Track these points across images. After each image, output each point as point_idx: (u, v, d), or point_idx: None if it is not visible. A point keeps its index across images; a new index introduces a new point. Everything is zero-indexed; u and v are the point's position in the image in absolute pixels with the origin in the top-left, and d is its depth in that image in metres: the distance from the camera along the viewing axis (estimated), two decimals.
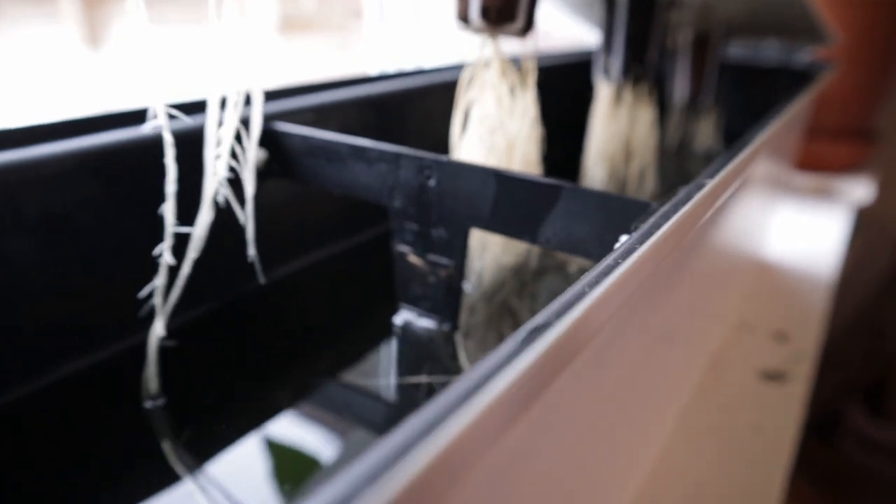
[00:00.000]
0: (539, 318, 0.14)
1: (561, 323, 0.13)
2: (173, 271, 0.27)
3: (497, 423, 0.11)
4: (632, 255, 0.16)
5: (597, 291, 0.14)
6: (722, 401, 0.40)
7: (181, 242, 0.26)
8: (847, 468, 0.94)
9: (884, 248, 1.04)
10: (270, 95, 0.39)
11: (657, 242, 0.17)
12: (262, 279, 0.28)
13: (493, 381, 0.11)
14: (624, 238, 0.24)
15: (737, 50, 0.73)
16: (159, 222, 0.26)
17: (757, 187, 0.41)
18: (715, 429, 0.37)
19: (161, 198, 0.26)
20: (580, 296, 0.14)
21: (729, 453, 0.35)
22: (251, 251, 0.26)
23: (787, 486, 0.34)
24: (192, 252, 0.26)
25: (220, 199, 0.26)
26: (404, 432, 0.10)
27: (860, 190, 0.82)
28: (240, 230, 0.30)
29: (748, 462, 0.35)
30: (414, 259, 0.32)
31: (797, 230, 0.69)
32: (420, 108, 0.47)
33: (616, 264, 0.16)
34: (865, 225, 0.89)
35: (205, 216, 0.26)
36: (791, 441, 0.37)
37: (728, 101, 0.67)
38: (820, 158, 0.84)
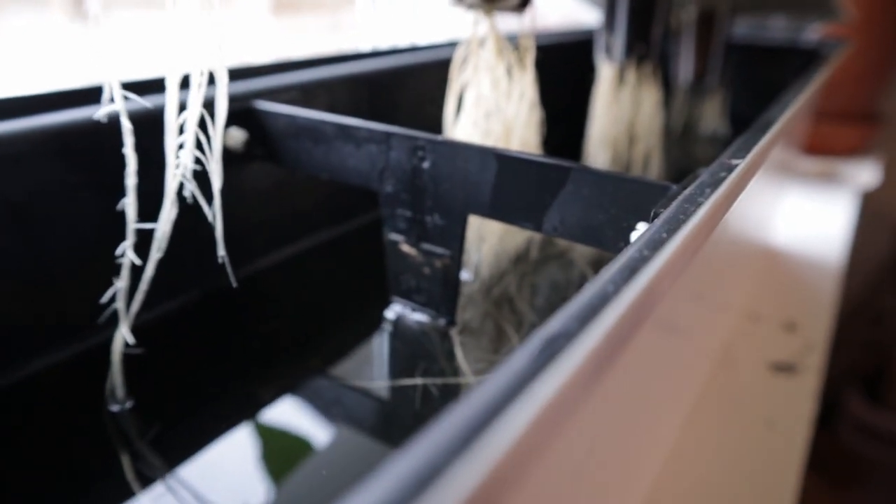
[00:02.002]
0: (556, 325, 0.11)
1: (587, 332, 0.10)
2: (137, 270, 0.24)
3: (518, 441, 0.09)
4: (662, 246, 0.14)
5: (627, 292, 0.12)
6: (733, 394, 0.39)
7: (149, 236, 0.24)
8: (844, 455, 0.93)
9: (884, 233, 1.03)
10: (252, 72, 0.36)
11: (692, 231, 0.14)
12: (233, 282, 0.26)
13: (509, 403, 0.09)
14: (642, 226, 0.22)
15: (742, 28, 0.71)
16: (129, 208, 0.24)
17: (770, 171, 0.39)
18: (727, 423, 0.36)
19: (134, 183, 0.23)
20: (605, 298, 0.12)
21: (742, 449, 0.34)
22: (220, 251, 0.24)
23: (801, 482, 0.33)
24: (156, 252, 0.24)
25: (187, 193, 0.23)
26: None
27: (865, 174, 0.80)
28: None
29: (762, 458, 0.34)
30: (407, 248, 0.30)
31: (803, 216, 0.67)
32: (412, 87, 0.45)
33: (642, 257, 0.14)
34: (866, 210, 0.87)
35: (167, 213, 0.23)
36: (804, 436, 0.36)
37: (733, 81, 0.64)
38: (825, 141, 0.82)
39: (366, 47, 0.45)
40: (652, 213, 0.19)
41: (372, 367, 0.30)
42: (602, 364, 0.11)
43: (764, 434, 0.36)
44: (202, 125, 0.23)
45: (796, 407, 0.38)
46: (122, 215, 0.23)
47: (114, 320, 0.25)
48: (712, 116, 0.64)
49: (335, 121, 0.29)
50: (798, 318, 0.48)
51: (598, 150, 0.46)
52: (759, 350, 0.43)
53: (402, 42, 0.49)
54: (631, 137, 0.47)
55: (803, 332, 0.46)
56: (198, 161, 0.23)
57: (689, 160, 0.59)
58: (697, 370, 0.37)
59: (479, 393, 0.10)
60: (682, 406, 0.35)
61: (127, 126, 0.22)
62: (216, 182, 0.23)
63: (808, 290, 0.53)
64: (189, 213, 0.24)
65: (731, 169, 0.19)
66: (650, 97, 0.47)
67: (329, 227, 0.42)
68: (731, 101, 0.65)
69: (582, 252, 0.40)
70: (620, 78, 0.46)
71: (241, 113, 0.32)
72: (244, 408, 0.26)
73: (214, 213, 0.23)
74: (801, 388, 0.40)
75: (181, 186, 0.23)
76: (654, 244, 0.14)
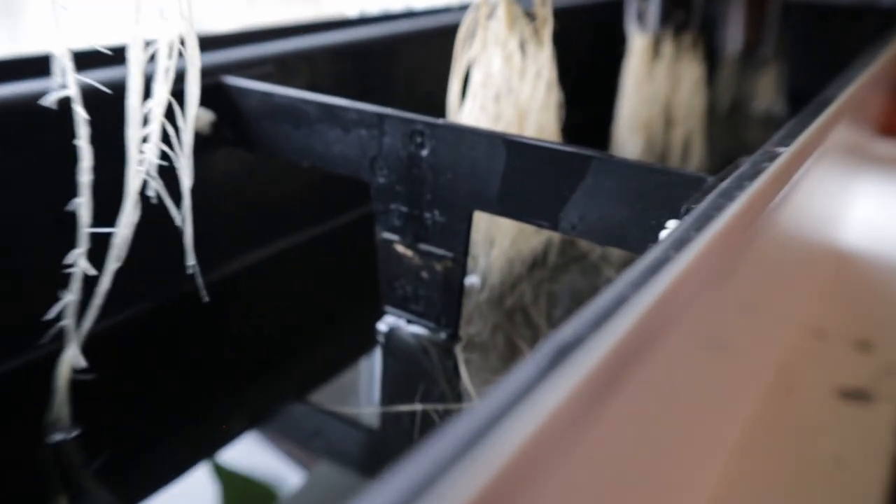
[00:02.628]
0: (567, 332, 0.12)
1: (597, 339, 0.12)
2: (88, 279, 0.25)
3: (521, 458, 0.10)
4: (688, 246, 0.15)
5: (644, 296, 0.13)
6: (793, 425, 0.39)
7: (101, 239, 0.25)
8: None
9: None
10: (219, 42, 0.37)
11: (723, 230, 0.16)
12: (203, 296, 0.27)
13: (506, 418, 0.10)
14: (672, 224, 0.23)
15: None
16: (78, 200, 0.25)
17: (834, 158, 0.40)
18: (785, 460, 0.37)
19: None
20: (620, 301, 0.13)
21: (803, 490, 0.34)
22: (190, 261, 0.25)
23: None
24: (113, 262, 0.25)
25: (151, 192, 0.24)
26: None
27: None
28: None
29: (828, 502, 0.34)
30: (402, 249, 0.31)
31: (880, 211, 0.68)
32: (409, 61, 0.46)
33: (667, 258, 0.15)
34: None
35: (129, 216, 0.24)
36: (880, 477, 0.36)
37: (793, 50, 0.65)
38: None
39: (353, 12, 0.46)
40: (682, 209, 0.20)
41: (360, 390, 0.31)
42: (618, 377, 0.13)
43: (830, 474, 0.36)
44: (168, 111, 0.24)
45: (871, 442, 0.39)
46: (68, 207, 0.24)
47: (58, 334, 0.26)
48: (767, 93, 0.65)
49: (318, 100, 0.30)
50: (873, 334, 0.48)
51: (629, 135, 0.47)
52: (824, 373, 0.44)
53: (397, 6, 0.50)
54: (668, 120, 0.48)
55: (880, 351, 0.46)
56: (163, 153, 0.24)
57: (738, 146, 0.60)
58: (748, 394, 0.38)
59: (479, 408, 0.11)
60: (730, 437, 0.36)
61: (82, 115, 0.23)
62: (186, 181, 0.24)
63: (886, 302, 0.53)
64: (148, 208, 0.25)
65: (773, 157, 0.20)
66: (691, 72, 0.49)
67: (310, 224, 0.43)
68: (789, 75, 0.66)
69: (609, 255, 0.41)
70: (655, 50, 0.47)
71: (206, 90, 0.32)
72: (207, 440, 0.27)
73: (183, 217, 0.24)
74: (877, 419, 0.40)
75: (144, 184, 0.24)
76: (682, 244, 0.15)
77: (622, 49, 0.49)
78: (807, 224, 0.38)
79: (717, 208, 0.17)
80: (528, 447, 0.10)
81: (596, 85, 0.55)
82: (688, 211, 0.18)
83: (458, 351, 0.31)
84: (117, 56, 0.27)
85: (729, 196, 0.18)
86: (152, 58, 0.24)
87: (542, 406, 0.11)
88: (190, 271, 0.25)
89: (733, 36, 0.64)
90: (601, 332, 0.12)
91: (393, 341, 0.32)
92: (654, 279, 0.14)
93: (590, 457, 0.14)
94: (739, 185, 0.19)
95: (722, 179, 0.20)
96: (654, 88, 0.48)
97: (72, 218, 0.24)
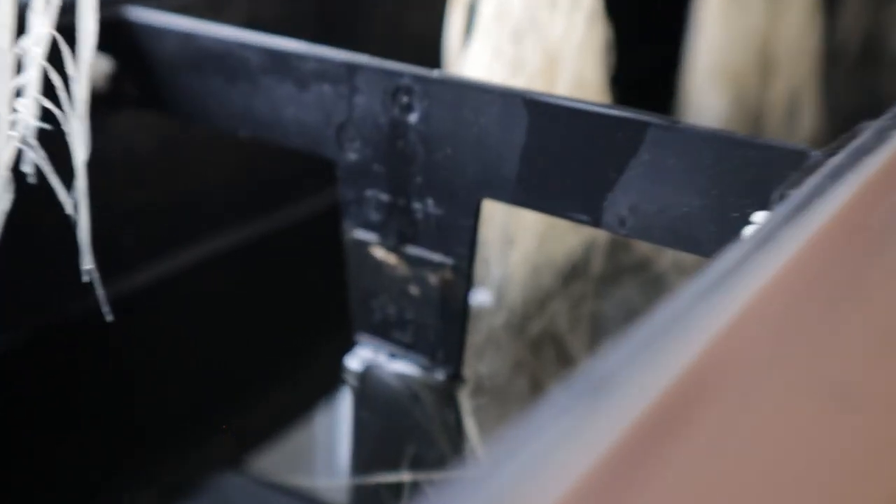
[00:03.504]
0: (606, 363, 0.13)
1: (642, 374, 0.12)
2: None
3: None
4: (777, 247, 0.15)
5: (713, 317, 0.13)
6: None
7: None
8: None
9: None
10: None
11: (829, 224, 0.16)
12: (106, 313, 0.27)
13: (513, 483, 0.11)
14: (760, 217, 0.23)
15: None
16: None
17: None
18: None
19: None
20: (674, 321, 0.13)
21: None
22: (87, 263, 0.25)
23: None
24: None
25: (27, 167, 0.25)
26: None
27: None
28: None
29: None
30: (383, 254, 0.31)
31: None
32: None
33: (746, 264, 0.15)
34: None
35: None
36: None
37: None
38: None
39: None
40: (774, 196, 0.20)
41: (322, 454, 0.31)
42: (676, 427, 0.13)
43: None
44: (52, 54, 0.24)
45: None
46: None
47: None
48: None
49: (262, 44, 0.31)
50: None
51: (708, 89, 0.48)
52: None
53: None
54: (766, 68, 0.48)
55: None
56: (45, 112, 0.24)
57: (872, 105, 0.60)
58: (888, 463, 0.38)
59: (480, 467, 0.11)
60: None
61: None
62: (80, 152, 0.24)
63: None
64: (24, 190, 0.25)
65: None
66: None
67: (251, 219, 0.43)
68: None
69: (681, 262, 0.41)
70: None
71: (101, 27, 0.33)
72: None
73: (76, 202, 0.25)
74: None
75: (18, 156, 0.24)
76: (768, 244, 0.16)
77: None
78: None
79: (819, 194, 0.18)
80: None
81: (659, 17, 0.55)
82: (782, 198, 0.19)
83: (463, 398, 0.32)
84: None
85: (838, 177, 0.19)
86: None
87: (566, 468, 0.11)
88: (86, 278, 0.25)
89: None
90: (649, 365, 0.12)
91: (369, 384, 0.32)
92: (728, 292, 0.14)
93: None
94: (854, 163, 0.19)
95: (832, 154, 0.21)
96: (747, 21, 0.48)
97: None
